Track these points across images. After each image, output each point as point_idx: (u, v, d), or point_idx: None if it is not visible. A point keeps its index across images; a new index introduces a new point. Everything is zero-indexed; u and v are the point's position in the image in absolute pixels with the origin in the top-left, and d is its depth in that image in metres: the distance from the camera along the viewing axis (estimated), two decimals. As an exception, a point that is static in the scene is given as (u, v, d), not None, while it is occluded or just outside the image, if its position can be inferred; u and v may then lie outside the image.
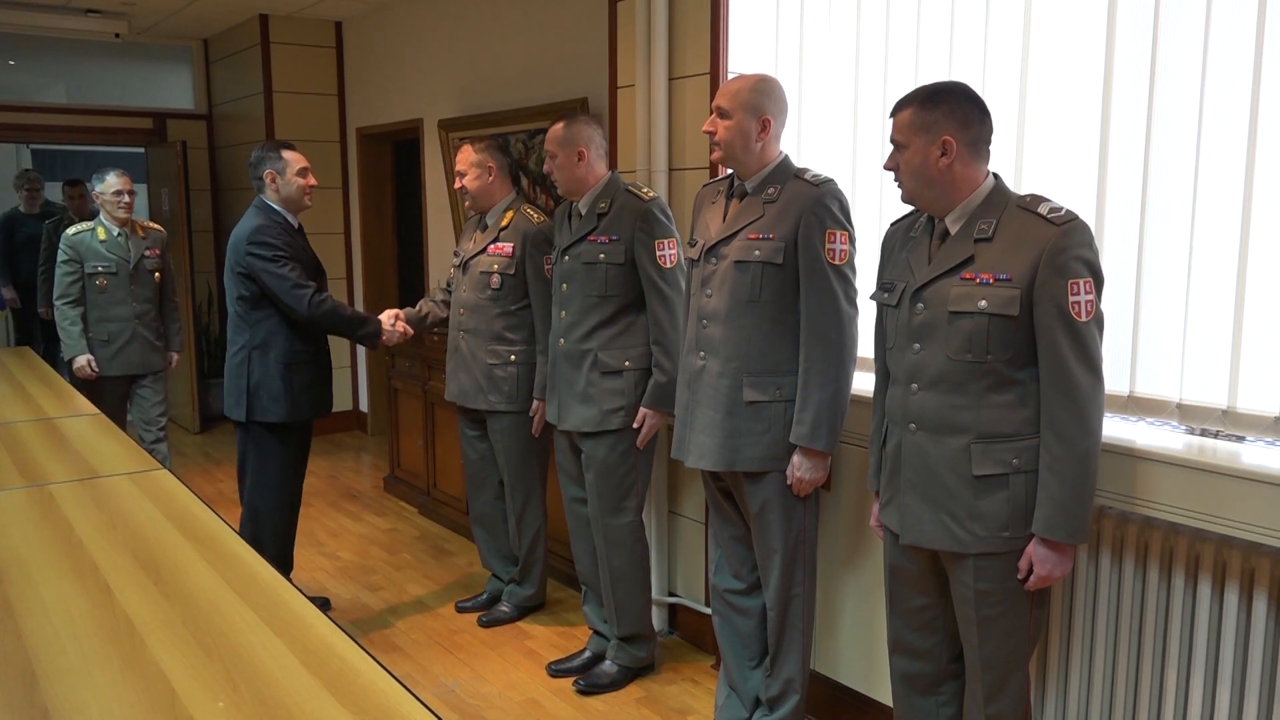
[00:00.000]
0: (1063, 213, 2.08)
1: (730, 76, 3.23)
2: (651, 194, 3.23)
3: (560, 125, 3.28)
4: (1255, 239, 2.20)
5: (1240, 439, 2.26)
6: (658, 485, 3.63)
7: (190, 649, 1.54)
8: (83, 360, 4.72)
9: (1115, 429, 2.37)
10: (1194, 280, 2.30)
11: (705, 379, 2.78)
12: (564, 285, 3.31)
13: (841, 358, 2.65)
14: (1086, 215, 2.21)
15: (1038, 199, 2.14)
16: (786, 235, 2.64)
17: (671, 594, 3.78)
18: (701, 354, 2.79)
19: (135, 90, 7.48)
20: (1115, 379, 2.38)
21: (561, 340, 3.31)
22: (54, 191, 7.86)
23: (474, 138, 3.90)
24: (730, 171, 2.83)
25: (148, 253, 4.88)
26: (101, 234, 4.77)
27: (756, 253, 2.67)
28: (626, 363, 3.23)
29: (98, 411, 3.39)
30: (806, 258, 2.63)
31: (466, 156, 3.75)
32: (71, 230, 4.79)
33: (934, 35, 2.80)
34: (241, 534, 3.41)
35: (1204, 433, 2.31)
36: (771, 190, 2.71)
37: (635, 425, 3.23)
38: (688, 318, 2.88)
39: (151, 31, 7.03)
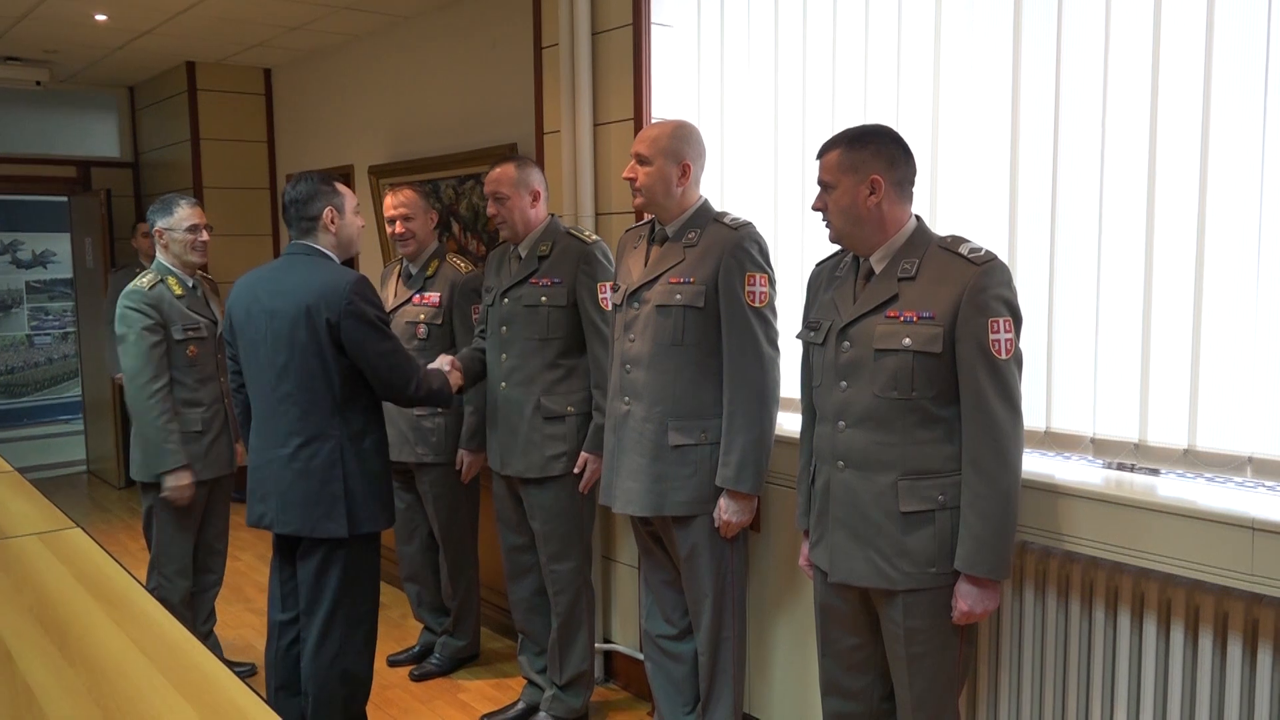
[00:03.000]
0: (982, 253, 2.14)
1: (652, 122, 3.26)
2: (593, 237, 3.22)
3: (510, 166, 3.22)
4: (1159, 277, 2.26)
5: (1155, 472, 2.30)
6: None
7: (93, 718, 1.49)
8: (187, 478, 3.51)
9: (1034, 464, 2.41)
10: (1102, 317, 2.37)
11: (630, 424, 2.78)
12: (503, 329, 3.24)
13: (764, 399, 2.66)
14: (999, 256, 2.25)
15: (958, 240, 2.19)
16: (707, 279, 2.67)
17: (607, 640, 3.75)
18: (626, 399, 2.79)
19: (59, 138, 7.33)
20: (1032, 414, 2.41)
21: (503, 384, 3.24)
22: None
23: (407, 183, 3.87)
24: (653, 216, 2.85)
25: (219, 311, 3.78)
26: (177, 287, 3.60)
27: (678, 297, 2.68)
28: (569, 408, 3.19)
29: (10, 469, 3.26)
30: (727, 301, 2.65)
31: (413, 199, 3.67)
32: (145, 282, 3.55)
33: (849, 81, 2.86)
34: (329, 692, 2.86)
35: (1120, 466, 2.35)
36: (692, 234, 2.73)
37: (576, 470, 3.19)
38: (611, 363, 2.88)
39: (75, 79, 6.91)
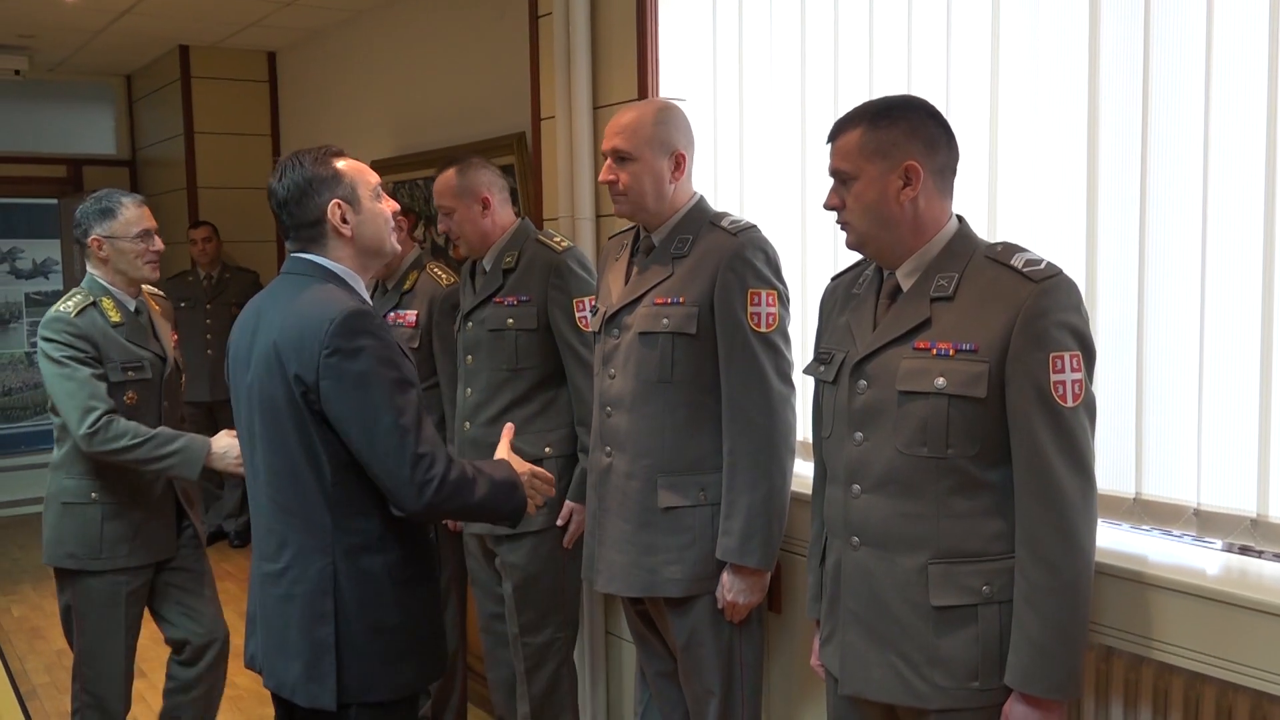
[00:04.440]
0: (1042, 266, 1.93)
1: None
2: (566, 243, 3.07)
3: (452, 173, 3.10)
4: (1284, 297, 1.99)
5: (1289, 558, 2.00)
6: (589, 598, 3.41)
7: None
8: (226, 441, 3.02)
9: (1120, 541, 2.15)
10: (1209, 350, 2.09)
11: (613, 481, 2.59)
12: (468, 358, 3.13)
13: (774, 449, 2.45)
14: (1074, 270, 2.03)
15: (1011, 248, 1.99)
16: (700, 298, 2.47)
17: (611, 735, 3.54)
18: (607, 449, 2.60)
19: (49, 134, 7.39)
20: (1117, 477, 2.18)
21: (467, 424, 3.11)
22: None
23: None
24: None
25: (169, 340, 3.33)
26: (114, 312, 3.08)
27: (665, 321, 2.48)
28: (547, 449, 3.03)
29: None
30: (726, 325, 2.44)
31: None
32: (69, 307, 3.02)
33: (889, 49, 2.65)
34: None
35: (1244, 550, 2.06)
36: (682, 242, 2.53)
37: (560, 523, 3.03)
38: (592, 403, 2.68)
39: (62, 68, 6.98)
